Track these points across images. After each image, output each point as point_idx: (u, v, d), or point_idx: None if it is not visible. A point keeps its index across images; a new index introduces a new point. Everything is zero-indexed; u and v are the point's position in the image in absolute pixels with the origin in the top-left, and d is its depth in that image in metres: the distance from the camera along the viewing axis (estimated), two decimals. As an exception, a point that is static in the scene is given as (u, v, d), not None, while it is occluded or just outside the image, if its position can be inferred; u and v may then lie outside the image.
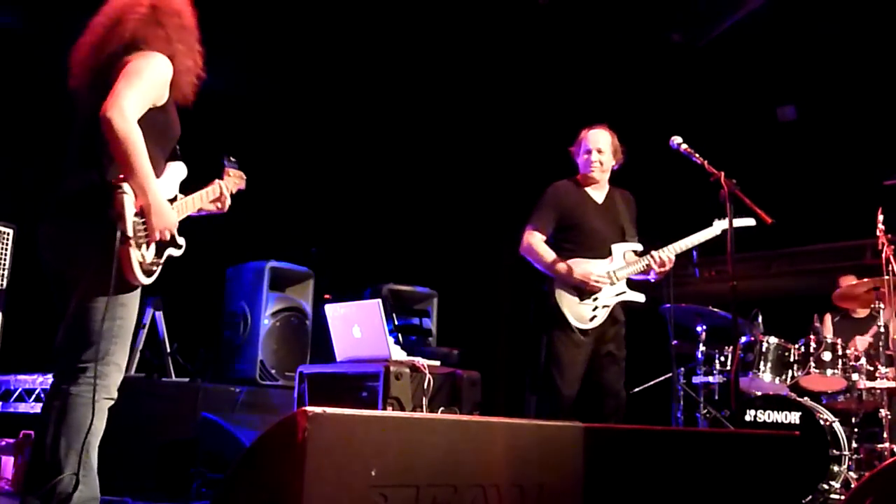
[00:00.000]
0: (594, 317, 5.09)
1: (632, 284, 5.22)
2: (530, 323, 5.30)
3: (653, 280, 5.23)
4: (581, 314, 5.08)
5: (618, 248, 5.20)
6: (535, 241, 5.20)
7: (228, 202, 3.81)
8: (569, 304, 5.09)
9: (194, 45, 3.54)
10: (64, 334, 3.24)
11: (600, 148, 5.27)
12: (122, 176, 3.17)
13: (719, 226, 5.21)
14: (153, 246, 3.32)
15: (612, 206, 5.34)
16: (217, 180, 3.79)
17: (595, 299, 5.09)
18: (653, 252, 5.15)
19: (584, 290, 5.09)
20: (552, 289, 5.12)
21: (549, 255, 5.16)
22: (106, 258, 3.12)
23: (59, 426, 3.14)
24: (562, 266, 5.10)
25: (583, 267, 5.09)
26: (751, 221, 5.09)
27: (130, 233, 3.16)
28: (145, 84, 3.26)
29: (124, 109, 3.14)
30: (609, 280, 5.10)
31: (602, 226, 5.24)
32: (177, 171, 3.56)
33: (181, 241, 3.53)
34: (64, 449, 3.11)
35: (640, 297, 5.19)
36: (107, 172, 3.20)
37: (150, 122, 3.29)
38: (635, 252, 5.24)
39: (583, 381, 5.09)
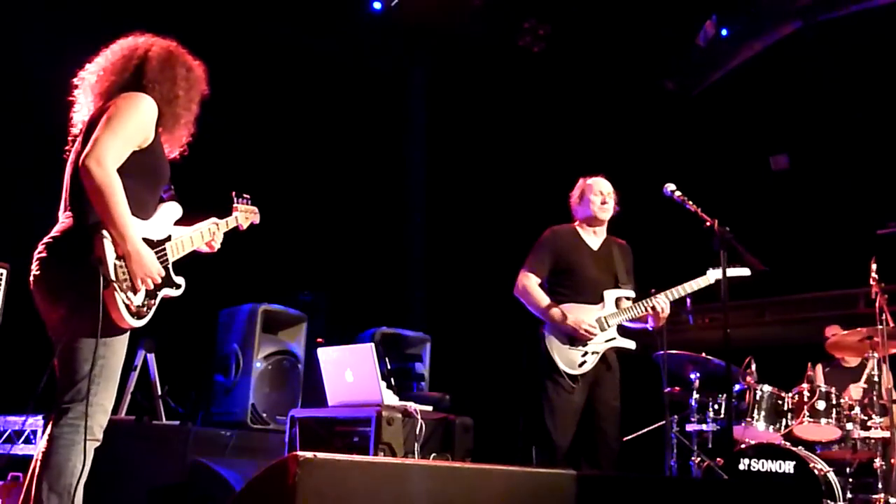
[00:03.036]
0: (584, 363, 5.07)
1: (626, 332, 5.22)
2: (523, 368, 5.28)
3: (651, 328, 5.26)
4: (571, 360, 5.06)
5: (610, 295, 5.21)
6: (530, 284, 5.22)
7: (217, 245, 3.80)
8: (559, 349, 5.07)
9: (194, 102, 3.58)
10: (54, 376, 3.24)
11: (610, 192, 5.35)
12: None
13: (713, 275, 5.18)
14: (143, 288, 3.31)
15: (607, 253, 5.37)
16: (213, 219, 3.79)
17: (585, 345, 5.09)
18: (651, 298, 5.15)
19: (574, 337, 5.09)
20: (543, 334, 5.13)
21: (543, 299, 5.16)
22: (90, 301, 3.12)
23: (42, 469, 3.13)
24: (555, 311, 5.10)
25: (575, 314, 5.09)
26: (745, 271, 5.12)
27: (113, 276, 3.16)
28: (128, 129, 3.27)
29: (102, 158, 3.16)
30: (600, 327, 5.11)
31: (596, 272, 5.26)
32: (171, 211, 3.56)
33: (180, 280, 3.53)
34: (45, 492, 3.09)
35: (630, 344, 5.19)
36: (88, 217, 3.21)
37: (136, 164, 3.31)
38: (628, 298, 5.24)
39: (580, 428, 5.07)
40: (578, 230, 5.40)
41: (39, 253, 3.27)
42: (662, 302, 5.14)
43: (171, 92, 3.46)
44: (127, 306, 3.23)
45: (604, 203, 5.31)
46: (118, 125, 3.25)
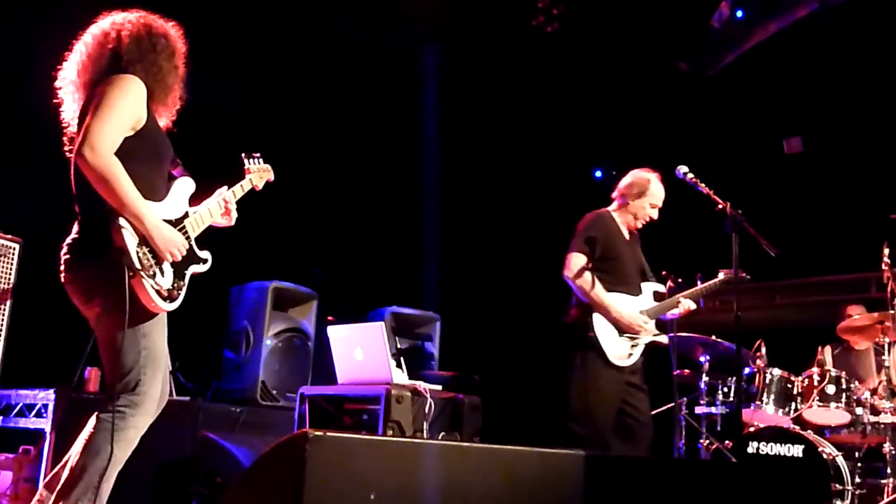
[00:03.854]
0: (631, 354, 5.10)
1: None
2: (533, 349, 5.29)
3: (665, 319, 5.31)
4: (619, 351, 5.09)
5: (647, 287, 5.26)
6: (585, 268, 5.13)
7: (234, 215, 3.78)
8: (608, 338, 5.08)
9: (178, 67, 3.54)
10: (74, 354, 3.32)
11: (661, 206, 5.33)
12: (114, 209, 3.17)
13: (724, 277, 5.40)
14: (169, 270, 3.32)
15: (633, 242, 5.42)
16: (223, 189, 3.76)
17: (633, 339, 5.08)
18: (682, 299, 5.24)
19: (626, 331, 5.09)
20: (590, 321, 5.09)
21: (597, 286, 5.10)
22: (118, 294, 3.14)
23: (84, 446, 3.21)
24: (613, 307, 5.08)
25: (630, 311, 5.10)
26: (723, 276, 5.37)
27: (138, 265, 3.17)
28: (117, 112, 3.23)
29: (95, 144, 3.13)
30: (646, 320, 5.15)
31: (630, 262, 5.29)
32: (184, 186, 3.55)
33: (205, 254, 3.54)
34: (79, 468, 3.17)
35: (665, 339, 5.25)
36: (99, 210, 3.20)
37: (136, 148, 3.29)
38: (658, 293, 5.26)
39: (617, 411, 5.11)
40: (615, 216, 5.38)
41: (64, 254, 3.29)
42: (691, 304, 5.26)
43: (154, 65, 3.41)
44: (157, 291, 3.25)
45: (650, 218, 5.33)
46: (106, 110, 3.21)
